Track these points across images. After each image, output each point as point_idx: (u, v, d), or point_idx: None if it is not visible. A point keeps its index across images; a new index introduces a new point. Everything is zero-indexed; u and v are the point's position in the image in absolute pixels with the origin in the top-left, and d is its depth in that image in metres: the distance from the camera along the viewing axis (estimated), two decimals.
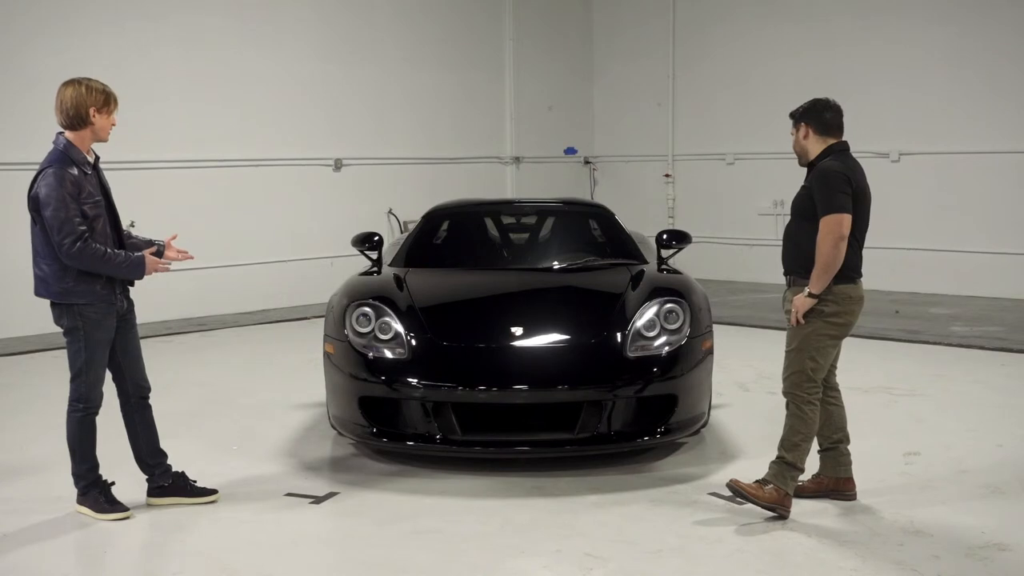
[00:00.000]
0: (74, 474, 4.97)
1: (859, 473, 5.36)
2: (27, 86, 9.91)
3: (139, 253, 4.87)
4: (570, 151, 15.44)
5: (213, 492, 5.19)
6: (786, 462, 4.80)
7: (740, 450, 5.89)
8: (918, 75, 12.27)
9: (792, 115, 5.06)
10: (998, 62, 11.70)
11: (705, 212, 14.17)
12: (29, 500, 5.25)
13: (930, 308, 11.06)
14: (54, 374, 8.42)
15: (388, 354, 5.61)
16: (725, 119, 14.00)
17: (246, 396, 7.55)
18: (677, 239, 6.85)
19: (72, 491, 5.00)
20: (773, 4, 13.64)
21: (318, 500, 5.18)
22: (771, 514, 4.80)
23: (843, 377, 7.70)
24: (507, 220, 7.86)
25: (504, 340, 5.62)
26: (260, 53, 11.79)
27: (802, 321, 4.80)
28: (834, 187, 4.74)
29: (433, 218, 7.46)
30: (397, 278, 6.32)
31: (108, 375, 4.99)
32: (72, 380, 4.89)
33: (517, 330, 5.65)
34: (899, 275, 12.28)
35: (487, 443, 5.43)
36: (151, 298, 10.83)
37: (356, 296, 6.02)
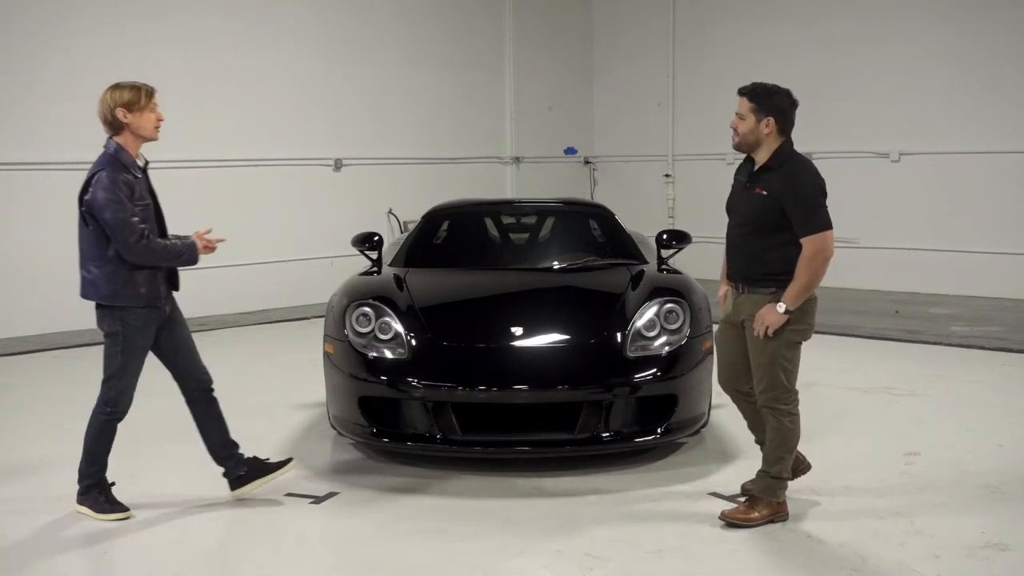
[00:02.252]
0: (81, 472, 4.97)
1: (859, 473, 5.37)
2: (27, 86, 9.91)
3: (190, 238, 4.95)
4: (570, 151, 15.44)
5: (288, 461, 5.26)
6: (771, 476, 4.75)
7: (740, 450, 5.89)
8: (918, 75, 12.26)
9: (752, 97, 4.66)
10: (998, 62, 11.69)
11: (705, 212, 14.07)
12: (29, 500, 5.25)
13: (930, 308, 11.06)
14: (54, 374, 8.43)
15: (388, 354, 5.61)
16: (725, 119, 13.70)
17: (246, 396, 7.54)
18: (677, 239, 6.84)
19: (72, 491, 5.00)
20: (773, 4, 13.63)
21: (318, 500, 5.18)
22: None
23: (843, 377, 7.74)
24: (507, 220, 7.85)
25: (504, 340, 5.62)
26: (260, 53, 11.79)
27: (770, 335, 4.61)
28: (813, 203, 4.53)
29: (433, 218, 7.46)
30: (397, 278, 6.32)
31: (167, 375, 5.04)
32: (104, 382, 4.91)
33: (517, 330, 5.64)
34: (899, 275, 12.27)
35: (487, 443, 5.43)
36: None
37: (356, 296, 6.02)
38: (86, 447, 4.95)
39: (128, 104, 4.75)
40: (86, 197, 4.74)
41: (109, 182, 4.66)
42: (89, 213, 4.74)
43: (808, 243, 4.51)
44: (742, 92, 4.74)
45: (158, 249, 4.79)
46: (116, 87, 4.80)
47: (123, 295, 4.79)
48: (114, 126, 4.78)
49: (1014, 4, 11.58)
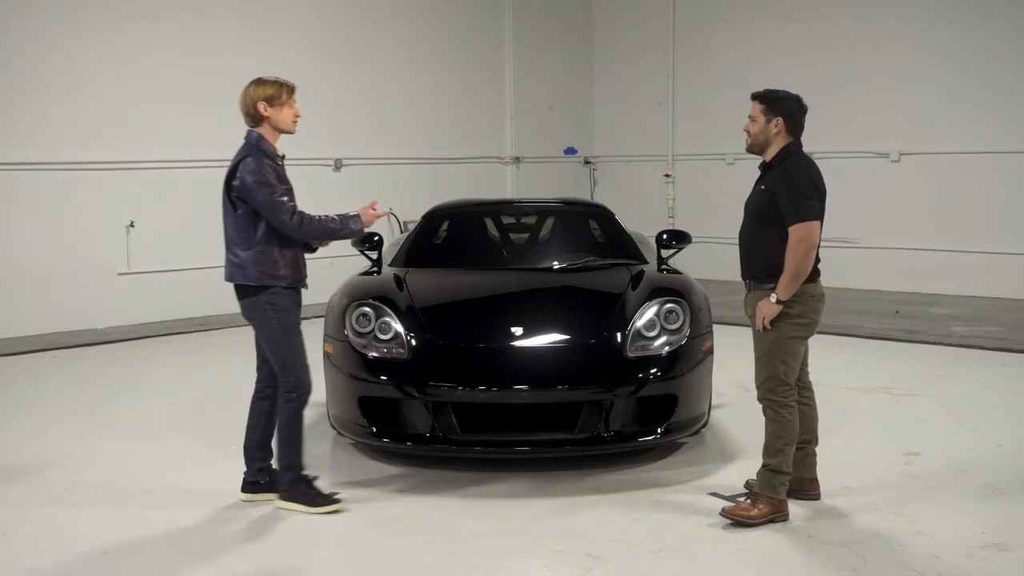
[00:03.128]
0: (281, 467, 4.97)
1: (859, 473, 5.36)
2: (27, 86, 9.91)
3: (353, 210, 5.05)
4: (570, 151, 15.44)
5: None
6: (771, 469, 4.77)
7: (740, 450, 5.89)
8: (918, 75, 12.26)
9: (763, 100, 4.86)
10: (998, 62, 11.69)
11: (705, 212, 14.15)
12: (29, 500, 5.25)
13: (930, 308, 11.06)
14: (54, 374, 8.43)
15: (388, 354, 5.61)
16: (725, 119, 13.95)
17: (246, 396, 7.52)
18: (677, 239, 6.85)
19: (71, 489, 4.99)
20: (773, 4, 13.64)
21: None
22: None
23: (843, 377, 7.74)
24: (507, 220, 7.86)
25: (504, 340, 5.62)
26: (260, 53, 11.76)
27: (768, 327, 4.76)
28: (803, 194, 4.70)
29: (433, 218, 7.46)
30: (397, 278, 6.33)
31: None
32: (280, 373, 4.97)
33: (517, 330, 5.64)
34: (899, 275, 12.27)
35: (487, 443, 5.43)
36: (152, 298, 10.86)
37: (356, 296, 6.02)
38: (281, 441, 4.97)
39: (269, 99, 4.94)
40: (234, 183, 4.86)
41: (256, 165, 4.82)
42: (239, 198, 4.85)
43: (793, 231, 4.67)
44: (754, 96, 4.94)
45: (315, 222, 4.90)
46: (259, 82, 4.99)
47: (269, 275, 4.90)
48: (255, 118, 4.96)
49: (1014, 4, 11.59)
